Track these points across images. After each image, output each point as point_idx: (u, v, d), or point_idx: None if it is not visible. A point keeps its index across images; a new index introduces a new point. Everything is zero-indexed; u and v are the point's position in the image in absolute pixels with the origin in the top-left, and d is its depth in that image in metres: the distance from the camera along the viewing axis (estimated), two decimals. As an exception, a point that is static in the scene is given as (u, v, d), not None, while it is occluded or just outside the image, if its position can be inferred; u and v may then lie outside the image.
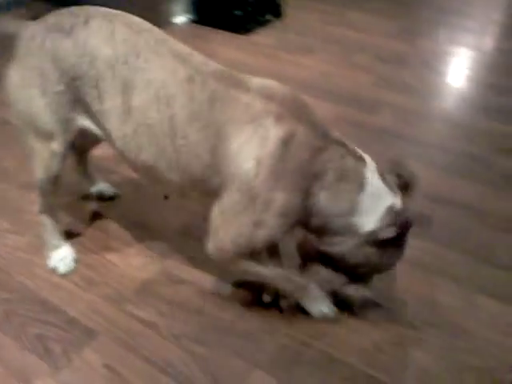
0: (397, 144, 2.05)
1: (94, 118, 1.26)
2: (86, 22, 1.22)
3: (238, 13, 3.03)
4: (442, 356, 1.24)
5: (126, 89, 1.17)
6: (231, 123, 1.13)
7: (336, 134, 1.18)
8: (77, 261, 1.48)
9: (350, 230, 1.18)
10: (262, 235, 1.15)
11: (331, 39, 2.97)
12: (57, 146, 1.31)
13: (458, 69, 2.75)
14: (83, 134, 1.34)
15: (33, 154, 1.34)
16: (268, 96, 1.14)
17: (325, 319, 1.32)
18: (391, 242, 1.18)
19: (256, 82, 1.18)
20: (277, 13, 3.20)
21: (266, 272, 1.27)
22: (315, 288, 1.31)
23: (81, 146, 1.59)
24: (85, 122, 1.30)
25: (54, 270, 1.46)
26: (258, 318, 1.33)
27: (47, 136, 1.30)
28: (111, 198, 1.73)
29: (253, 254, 1.21)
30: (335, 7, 3.49)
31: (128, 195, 1.75)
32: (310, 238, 1.27)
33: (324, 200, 1.14)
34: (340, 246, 1.21)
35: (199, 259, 1.50)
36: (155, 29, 1.24)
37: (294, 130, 1.11)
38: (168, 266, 1.48)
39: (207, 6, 3.11)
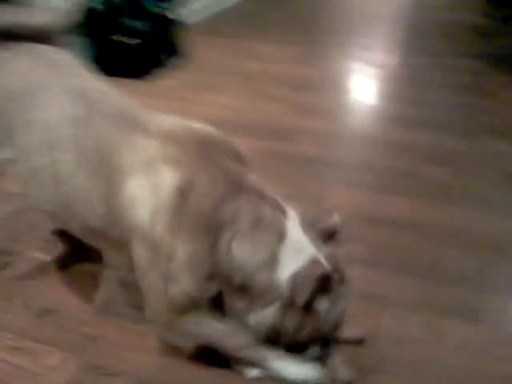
0: (319, 170, 1.95)
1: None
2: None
3: (145, 60, 2.86)
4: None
5: (13, 126, 1.11)
6: (123, 169, 1.02)
7: (253, 180, 1.07)
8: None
9: (272, 290, 1.04)
10: (177, 291, 1.03)
11: (238, 73, 2.88)
12: None
13: (365, 86, 2.76)
14: None
15: None
16: (167, 137, 1.03)
17: None
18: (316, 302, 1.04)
19: (158, 121, 1.07)
20: (172, 52, 3.06)
21: (213, 330, 1.10)
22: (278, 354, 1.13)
23: None
24: None
25: None
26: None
27: None
28: None
29: (188, 314, 1.08)
30: (237, 41, 3.43)
31: (32, 278, 1.48)
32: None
33: (238, 251, 1.01)
34: (268, 314, 1.06)
35: (126, 341, 1.27)
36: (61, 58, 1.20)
37: (192, 177, 1.00)
38: (90, 357, 1.23)
39: (106, 58, 2.90)
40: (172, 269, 1.01)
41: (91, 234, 1.12)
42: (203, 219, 1.00)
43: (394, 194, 1.79)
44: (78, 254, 1.56)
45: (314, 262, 1.03)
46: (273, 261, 1.03)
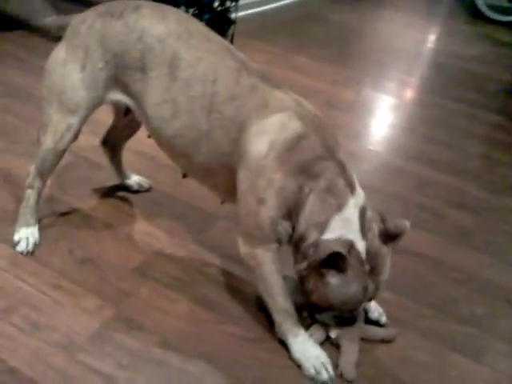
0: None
1: (128, 90, 1.37)
2: (137, 8, 1.35)
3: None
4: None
5: (175, 60, 1.29)
6: (263, 107, 1.24)
7: (342, 155, 1.27)
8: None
9: (311, 249, 1.21)
10: (264, 214, 1.22)
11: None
12: (75, 121, 1.39)
13: (393, 118, 2.86)
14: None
15: (49, 124, 1.40)
16: (300, 102, 1.29)
17: (316, 380, 1.23)
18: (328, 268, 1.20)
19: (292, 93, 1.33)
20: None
21: (275, 288, 1.28)
22: (307, 338, 1.28)
23: (112, 141, 1.71)
24: (116, 96, 1.40)
25: (14, 245, 1.47)
26: (227, 374, 1.22)
27: (70, 110, 1.38)
28: (147, 190, 1.82)
29: (267, 244, 1.26)
30: (282, 50, 3.54)
31: (76, 228, 1.59)
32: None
33: (311, 204, 1.21)
34: (300, 268, 1.25)
35: (159, 303, 1.38)
36: (201, 23, 1.40)
37: (309, 133, 1.23)
38: (124, 310, 1.34)
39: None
40: (267, 193, 1.22)
41: (215, 156, 1.30)
42: (302, 164, 1.22)
43: (416, 227, 1.88)
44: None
45: (345, 240, 1.19)
46: (324, 225, 1.20)
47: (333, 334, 1.30)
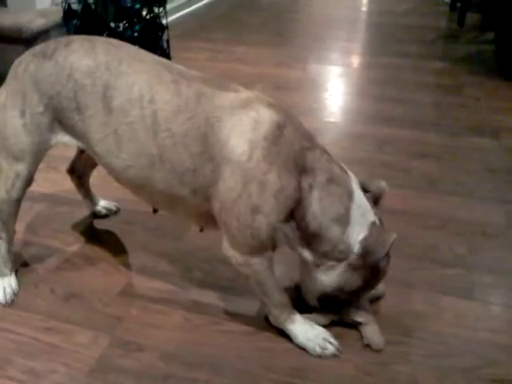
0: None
1: (73, 131, 1.30)
2: (67, 44, 1.29)
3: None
4: (427, 365, 1.23)
5: (108, 92, 1.21)
6: (221, 109, 1.15)
7: (318, 141, 1.21)
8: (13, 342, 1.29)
9: (342, 247, 1.16)
10: (262, 222, 1.13)
11: (226, 75, 2.99)
12: (22, 168, 1.34)
13: (340, 85, 2.90)
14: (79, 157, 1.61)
15: (0, 172, 1.36)
16: (257, 93, 1.21)
17: (324, 356, 1.25)
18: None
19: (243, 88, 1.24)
20: (165, 57, 3.16)
21: (271, 288, 1.25)
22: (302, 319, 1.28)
23: (79, 169, 1.69)
24: (64, 139, 1.33)
25: None
26: (233, 371, 1.23)
27: (16, 157, 1.33)
28: (116, 212, 1.81)
29: (264, 253, 1.20)
30: (221, 44, 3.55)
31: (54, 267, 1.57)
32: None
33: (318, 200, 1.14)
34: (335, 272, 1.20)
35: (151, 320, 1.37)
36: (134, 46, 1.31)
37: (285, 122, 1.14)
38: (119, 335, 1.33)
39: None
40: (262, 199, 1.11)
41: (175, 179, 1.20)
42: (294, 157, 1.12)
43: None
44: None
45: (378, 226, 1.18)
46: (346, 217, 1.15)
47: (361, 318, 1.29)
